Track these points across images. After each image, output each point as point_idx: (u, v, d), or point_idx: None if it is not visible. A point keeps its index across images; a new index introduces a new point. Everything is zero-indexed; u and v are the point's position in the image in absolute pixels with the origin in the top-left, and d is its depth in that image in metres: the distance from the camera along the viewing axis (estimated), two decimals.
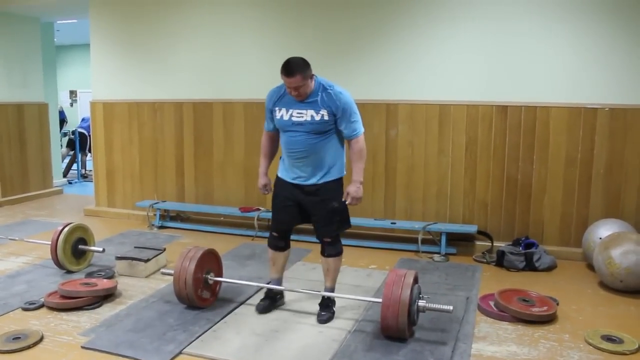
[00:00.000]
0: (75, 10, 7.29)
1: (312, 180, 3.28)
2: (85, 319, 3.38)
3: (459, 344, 3.07)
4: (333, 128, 3.23)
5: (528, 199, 4.90)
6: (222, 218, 5.90)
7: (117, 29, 6.26)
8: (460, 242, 5.01)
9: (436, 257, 4.79)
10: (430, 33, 5.02)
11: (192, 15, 5.85)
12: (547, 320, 3.39)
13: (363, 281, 4.17)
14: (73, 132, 9.92)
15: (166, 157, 6.16)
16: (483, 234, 4.95)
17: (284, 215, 3.44)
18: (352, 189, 3.27)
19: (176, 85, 6.02)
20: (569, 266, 4.58)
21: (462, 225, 5.03)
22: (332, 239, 3.38)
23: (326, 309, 3.41)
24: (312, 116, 3.17)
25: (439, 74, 5.02)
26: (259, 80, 5.33)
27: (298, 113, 3.20)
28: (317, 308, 3.44)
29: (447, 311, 3.09)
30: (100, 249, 4.37)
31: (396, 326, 2.99)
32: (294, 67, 3.06)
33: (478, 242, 5.00)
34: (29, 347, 2.98)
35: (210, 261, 3.59)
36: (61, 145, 9.45)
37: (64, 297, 3.55)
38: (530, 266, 4.45)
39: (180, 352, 2.96)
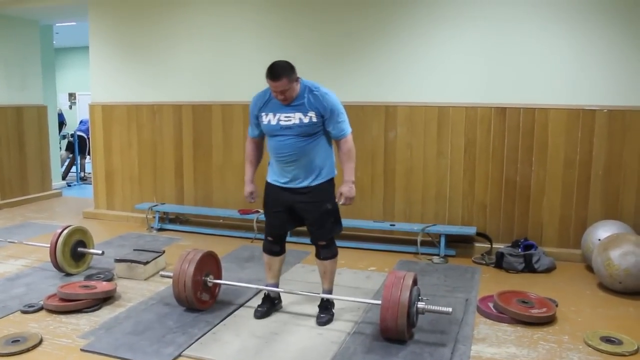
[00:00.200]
0: (74, 13, 7.30)
1: (304, 183, 3.27)
2: (85, 322, 3.38)
3: (458, 346, 3.07)
4: (321, 129, 3.23)
5: (527, 201, 4.90)
6: (221, 220, 5.89)
7: (116, 32, 6.27)
8: (459, 243, 5.01)
9: (435, 259, 4.80)
10: (429, 35, 5.03)
11: (191, 18, 5.86)
12: (546, 321, 3.39)
13: (362, 283, 4.17)
14: (72, 135, 9.92)
15: (165, 160, 6.16)
16: (482, 235, 4.95)
17: (276, 221, 3.43)
18: (345, 189, 3.27)
19: (175, 88, 6.02)
20: (568, 268, 4.59)
21: (461, 227, 5.03)
22: (327, 241, 3.37)
23: (325, 311, 3.40)
24: (300, 119, 3.16)
25: (438, 76, 5.03)
26: (258, 82, 5.23)
27: (286, 117, 3.18)
28: (316, 310, 3.44)
29: (447, 313, 3.10)
30: (100, 252, 4.37)
31: (395, 328, 2.99)
32: (280, 71, 3.05)
33: (477, 244, 5.01)
34: (28, 350, 2.97)
35: (209, 263, 3.59)
36: (60, 148, 9.45)
37: (63, 299, 3.55)
38: (529, 268, 4.46)
39: (179, 355, 2.96)
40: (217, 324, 3.35)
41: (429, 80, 5.06)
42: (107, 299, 3.71)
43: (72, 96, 14.62)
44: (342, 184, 3.28)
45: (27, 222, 6.23)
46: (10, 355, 2.91)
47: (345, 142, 3.27)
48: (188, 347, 3.03)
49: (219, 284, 3.68)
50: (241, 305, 3.65)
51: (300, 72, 3.16)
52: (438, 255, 4.83)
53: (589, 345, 3.07)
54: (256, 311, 3.48)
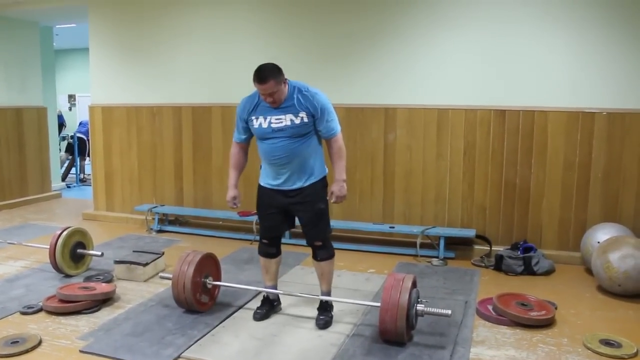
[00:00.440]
0: (74, 15, 7.30)
1: (298, 184, 3.27)
2: (84, 323, 3.38)
3: (458, 348, 3.07)
4: (312, 129, 3.23)
5: (526, 203, 4.90)
6: (220, 222, 5.90)
7: (116, 33, 6.27)
8: (458, 246, 5.01)
9: (434, 261, 4.80)
10: (428, 37, 5.03)
11: (191, 20, 5.87)
12: (546, 324, 3.39)
13: (361, 285, 4.17)
14: (72, 137, 9.93)
15: (165, 161, 6.17)
16: (481, 238, 4.95)
17: (271, 223, 3.43)
18: (336, 188, 3.27)
19: (175, 89, 6.03)
20: (567, 270, 4.59)
21: (461, 229, 5.03)
22: (323, 241, 3.37)
23: (324, 314, 3.40)
24: (291, 120, 3.16)
25: (437, 78, 5.03)
26: None
27: (277, 119, 3.18)
28: (315, 312, 3.43)
29: (446, 315, 3.10)
30: (99, 253, 4.37)
31: (395, 330, 2.99)
32: (267, 74, 3.04)
33: (476, 246, 5.01)
34: (27, 351, 2.97)
35: (208, 265, 3.59)
36: (59, 150, 9.46)
37: (62, 301, 3.55)
38: (528, 270, 4.46)
39: (178, 356, 2.96)
40: (217, 325, 3.35)
41: (429, 82, 5.07)
42: (106, 300, 3.70)
43: (71, 98, 14.61)
44: (333, 182, 3.29)
45: (26, 224, 6.23)
46: (9, 357, 2.91)
47: (335, 141, 3.27)
48: (187, 349, 3.03)
49: (219, 286, 3.69)
50: (240, 307, 3.64)
51: (299, 74, 3.18)
52: (437, 257, 4.83)
53: (588, 348, 3.07)
54: (255, 313, 3.48)
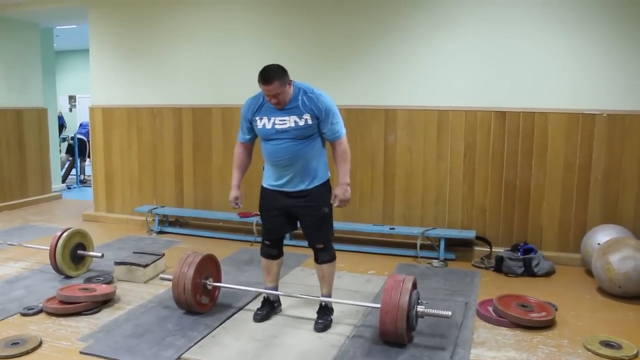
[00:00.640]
0: (74, 16, 7.31)
1: (301, 187, 3.26)
2: (84, 325, 3.38)
3: (458, 350, 3.07)
4: (316, 132, 3.21)
5: (526, 205, 4.90)
6: (220, 223, 5.90)
7: (116, 35, 6.28)
8: (458, 247, 5.01)
9: (435, 262, 4.79)
10: (429, 38, 5.04)
11: (192, 21, 5.87)
12: (546, 325, 3.39)
13: (362, 287, 4.17)
14: (72, 138, 9.94)
15: (165, 163, 6.17)
16: (482, 239, 4.95)
17: (273, 225, 3.42)
18: (340, 192, 3.25)
19: (175, 91, 6.03)
20: (568, 272, 4.59)
21: (461, 230, 5.04)
22: (325, 244, 3.36)
23: (323, 317, 3.38)
24: (295, 122, 3.15)
25: (438, 80, 5.04)
26: (257, 85, 5.33)
27: (281, 120, 3.17)
28: (316, 313, 3.43)
29: (446, 316, 3.10)
30: (99, 254, 4.36)
31: (395, 332, 2.99)
32: (271, 74, 3.04)
33: (477, 248, 5.00)
34: (27, 353, 2.97)
35: (209, 266, 3.59)
36: (60, 151, 9.46)
37: (62, 302, 3.55)
38: (528, 272, 4.46)
39: (178, 358, 2.96)
40: (217, 327, 3.35)
41: (429, 83, 5.07)
42: (106, 301, 3.70)
43: (72, 99, 14.62)
44: (337, 186, 3.26)
45: (26, 225, 6.23)
46: (9, 358, 2.91)
47: (340, 144, 3.25)
48: (187, 350, 3.03)
49: (219, 287, 3.68)
50: (241, 309, 3.64)
51: (299, 74, 3.16)
52: (437, 258, 4.83)
53: (589, 350, 3.07)
54: (255, 314, 3.48)
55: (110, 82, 6.37)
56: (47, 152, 7.76)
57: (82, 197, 8.33)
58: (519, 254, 4.58)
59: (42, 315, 3.51)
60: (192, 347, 3.07)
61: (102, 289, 3.78)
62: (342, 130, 3.26)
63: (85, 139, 9.53)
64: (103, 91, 6.43)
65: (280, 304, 3.62)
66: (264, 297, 3.57)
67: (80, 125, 10.82)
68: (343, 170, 3.26)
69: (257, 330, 3.33)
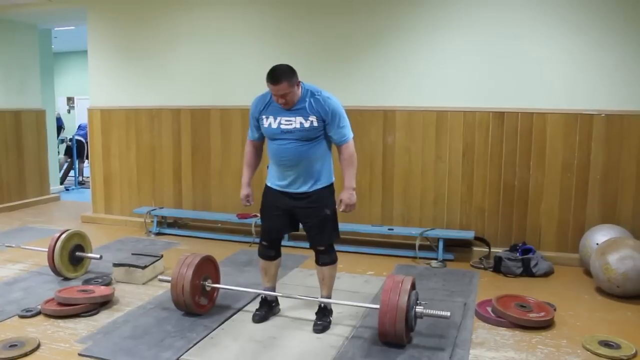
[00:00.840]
0: (73, 17, 7.31)
1: (304, 188, 3.25)
2: (83, 326, 3.37)
3: (457, 350, 3.07)
4: (322, 134, 3.20)
5: (525, 205, 4.91)
6: (219, 225, 5.89)
7: (114, 36, 6.28)
8: (457, 248, 5.01)
9: (433, 263, 4.80)
10: (427, 39, 5.04)
11: (190, 22, 5.87)
12: (545, 326, 3.39)
13: (360, 287, 4.17)
14: (70, 139, 9.93)
15: (164, 164, 6.16)
16: (480, 240, 4.95)
17: (274, 224, 3.41)
18: (345, 196, 3.24)
19: (174, 92, 6.03)
20: (566, 272, 4.59)
21: (460, 231, 5.04)
22: (326, 247, 3.35)
23: (322, 318, 3.37)
24: (301, 123, 3.14)
25: (436, 81, 5.04)
26: (256, 86, 5.25)
27: (286, 120, 3.16)
28: (314, 314, 3.42)
29: (445, 317, 3.10)
30: (98, 256, 4.36)
31: (394, 332, 2.99)
32: (280, 75, 3.04)
33: (475, 248, 5.01)
34: (25, 355, 2.96)
35: (207, 268, 3.58)
36: (58, 152, 9.46)
37: (61, 304, 3.54)
38: (527, 272, 4.46)
39: (177, 359, 2.95)
40: (216, 328, 3.35)
41: (427, 84, 5.07)
42: (105, 303, 3.70)
43: (70, 100, 14.59)
44: (343, 190, 3.25)
45: (25, 227, 6.23)
46: None
47: (346, 148, 3.24)
48: (186, 352, 3.03)
49: (217, 288, 3.68)
50: (239, 310, 3.64)
51: (299, 75, 3.16)
52: (436, 259, 4.83)
53: (588, 350, 3.08)
54: (254, 315, 3.48)
55: (109, 83, 6.37)
56: (45, 153, 7.75)
57: (80, 198, 8.33)
58: (518, 254, 4.58)
59: (41, 317, 3.50)
60: (191, 348, 3.07)
61: (100, 290, 3.77)
62: (350, 134, 3.25)
63: (84, 141, 9.52)
64: (101, 93, 6.43)
65: (278, 304, 3.61)
66: (262, 297, 3.57)
67: (79, 126, 10.80)
68: (349, 174, 3.25)
69: (256, 331, 3.32)
